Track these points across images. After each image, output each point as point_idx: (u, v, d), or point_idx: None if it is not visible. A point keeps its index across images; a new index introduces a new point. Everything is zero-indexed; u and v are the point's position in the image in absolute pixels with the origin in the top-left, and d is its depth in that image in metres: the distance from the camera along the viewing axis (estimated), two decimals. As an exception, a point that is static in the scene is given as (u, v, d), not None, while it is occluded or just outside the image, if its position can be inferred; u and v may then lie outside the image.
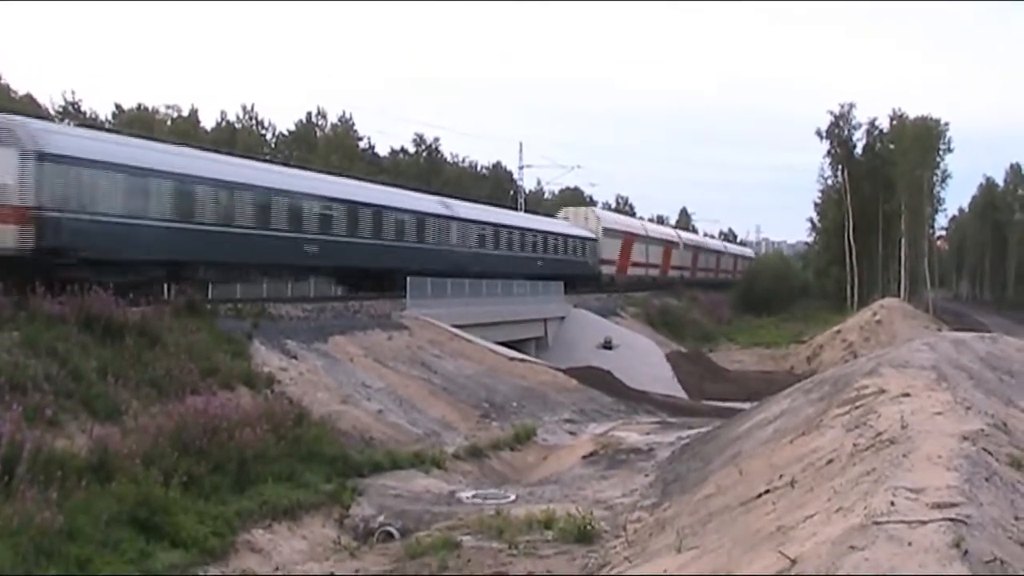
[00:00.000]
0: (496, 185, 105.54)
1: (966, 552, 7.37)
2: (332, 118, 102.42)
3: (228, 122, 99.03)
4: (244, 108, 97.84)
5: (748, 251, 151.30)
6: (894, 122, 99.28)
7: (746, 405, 31.19)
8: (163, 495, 17.15)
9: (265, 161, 54.06)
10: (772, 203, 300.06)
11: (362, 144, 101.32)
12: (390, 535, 18.97)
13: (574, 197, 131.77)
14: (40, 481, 15.50)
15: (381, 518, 19.70)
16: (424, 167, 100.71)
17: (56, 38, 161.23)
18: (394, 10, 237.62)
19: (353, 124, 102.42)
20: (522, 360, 40.79)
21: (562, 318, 59.71)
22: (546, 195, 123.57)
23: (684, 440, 27.29)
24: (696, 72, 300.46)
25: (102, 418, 19.54)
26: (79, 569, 14.34)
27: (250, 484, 19.60)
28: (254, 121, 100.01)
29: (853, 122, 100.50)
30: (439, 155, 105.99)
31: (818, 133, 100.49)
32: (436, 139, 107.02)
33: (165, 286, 32.04)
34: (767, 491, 12.43)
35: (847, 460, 11.71)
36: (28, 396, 18.54)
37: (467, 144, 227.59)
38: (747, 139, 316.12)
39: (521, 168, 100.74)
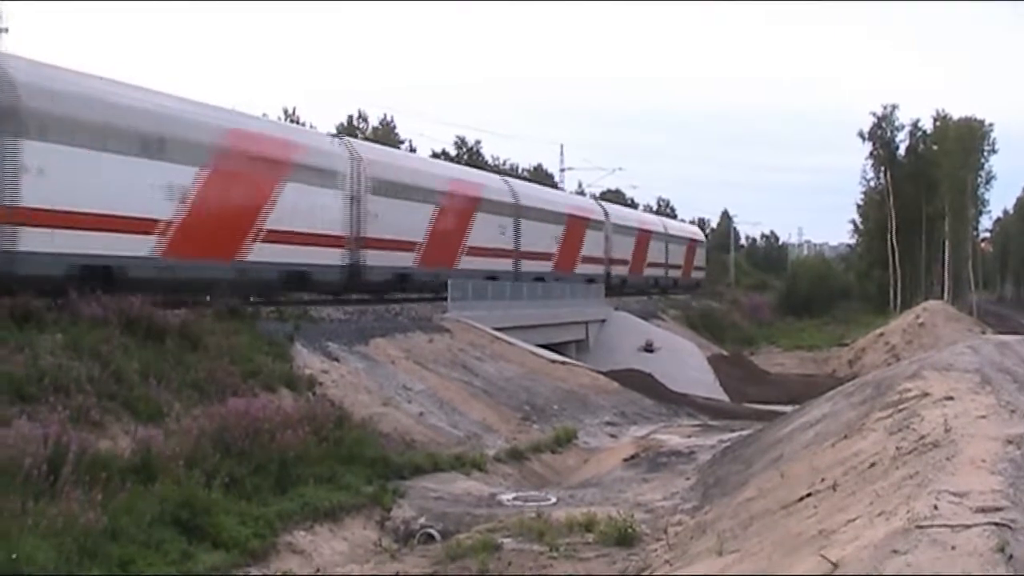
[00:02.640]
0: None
1: (1011, 557, 7.32)
2: (373, 121, 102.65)
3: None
4: (286, 112, 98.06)
5: (695, 232, 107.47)
6: (937, 123, 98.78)
7: (787, 408, 31.07)
8: (205, 496, 17.22)
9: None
10: (814, 205, 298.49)
11: (403, 147, 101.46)
12: (431, 537, 18.97)
13: (615, 199, 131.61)
14: (84, 482, 15.58)
15: (422, 520, 19.71)
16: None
17: (95, 43, 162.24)
18: (434, 11, 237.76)
19: (394, 127, 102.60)
20: (563, 363, 40.74)
21: (603, 321, 59.59)
22: (587, 197, 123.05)
23: (725, 443, 27.19)
24: (739, 73, 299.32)
25: (145, 420, 19.65)
26: (122, 569, 14.43)
27: (291, 486, 19.65)
28: (296, 125, 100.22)
29: (896, 123, 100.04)
30: (480, 157, 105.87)
31: (860, 135, 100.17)
32: (478, 141, 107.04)
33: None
34: (809, 494, 12.37)
35: (889, 463, 11.65)
36: (72, 398, 18.68)
37: (508, 146, 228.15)
38: (789, 141, 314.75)
39: (562, 170, 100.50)
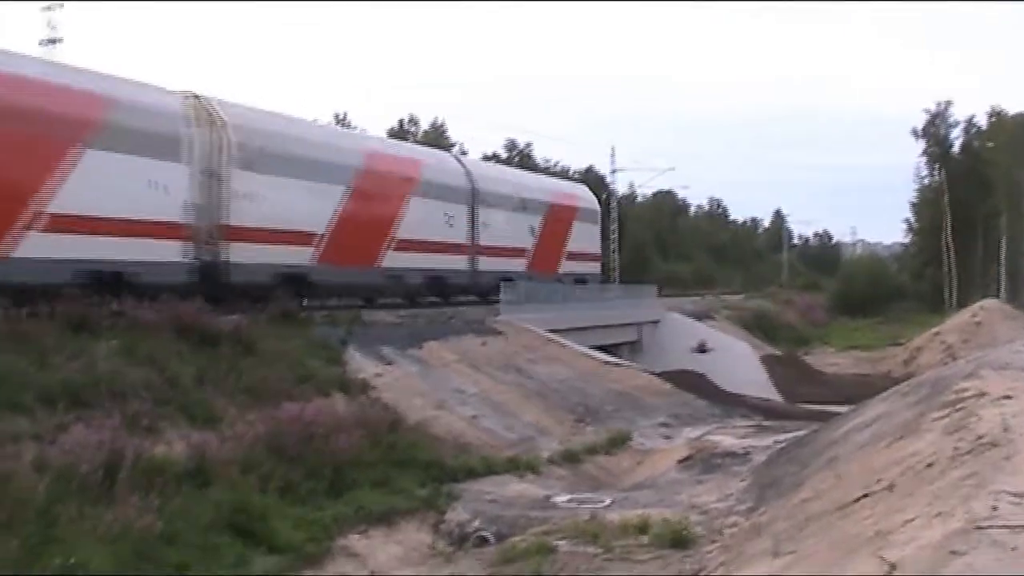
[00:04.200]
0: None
1: (1072, 558, 7.22)
2: (424, 125, 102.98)
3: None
4: (336, 116, 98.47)
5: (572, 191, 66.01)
6: (992, 119, 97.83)
7: (842, 408, 30.81)
8: (260, 501, 17.34)
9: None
10: (867, 204, 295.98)
11: (454, 150, 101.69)
12: (485, 540, 18.96)
13: (667, 201, 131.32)
14: (140, 487, 15.70)
15: (476, 523, 19.69)
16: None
17: (138, 45, 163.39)
18: (482, 13, 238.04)
19: (445, 130, 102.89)
20: (616, 364, 40.63)
21: (656, 322, 59.43)
22: (638, 198, 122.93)
23: (780, 444, 27.03)
24: (792, 71, 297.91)
25: (199, 425, 19.77)
26: (178, 573, 14.54)
27: (346, 490, 19.72)
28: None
29: (950, 120, 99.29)
30: (531, 160, 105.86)
31: (914, 132, 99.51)
32: (528, 144, 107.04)
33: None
34: (865, 495, 12.25)
35: (947, 464, 11.53)
36: (127, 403, 18.81)
37: (559, 150, 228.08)
38: (843, 139, 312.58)
39: (613, 172, 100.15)
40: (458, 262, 45.82)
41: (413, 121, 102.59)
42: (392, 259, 40.32)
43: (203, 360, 22.94)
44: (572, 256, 57.89)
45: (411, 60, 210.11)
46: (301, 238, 35.25)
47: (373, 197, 39.65)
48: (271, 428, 20.08)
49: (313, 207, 35.84)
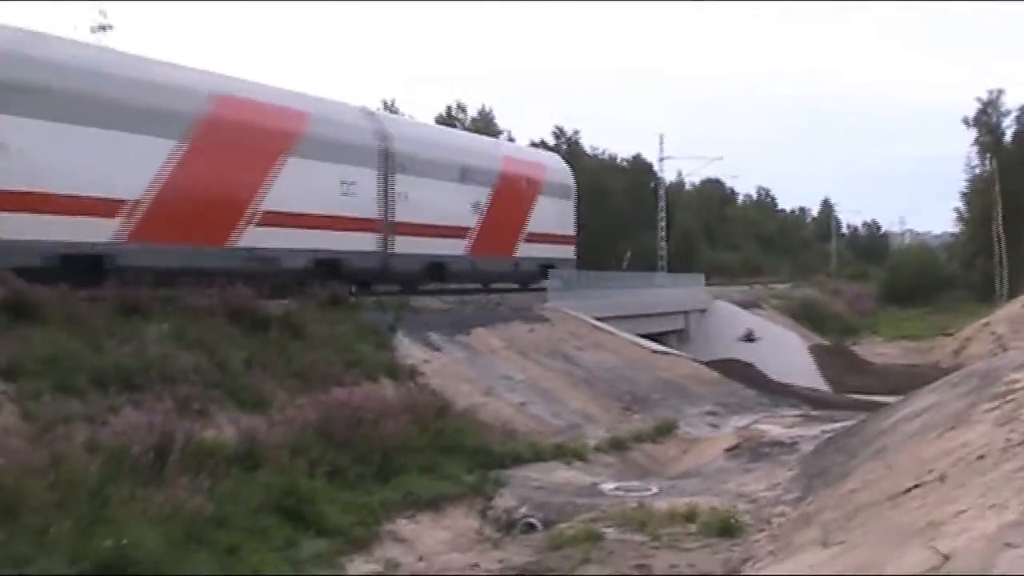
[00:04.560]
0: (635, 177, 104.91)
1: None
2: (472, 112, 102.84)
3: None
4: (384, 103, 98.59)
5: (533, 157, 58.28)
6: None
7: (890, 399, 30.67)
8: (309, 485, 17.44)
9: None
10: (917, 193, 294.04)
11: (502, 137, 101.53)
12: (532, 526, 18.99)
13: (714, 190, 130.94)
14: (190, 469, 15.83)
15: (523, 509, 19.73)
16: (562, 158, 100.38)
17: (187, 36, 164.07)
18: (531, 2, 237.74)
19: (493, 117, 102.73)
20: (663, 352, 40.60)
21: (703, 311, 59.31)
22: (687, 187, 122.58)
23: (828, 433, 26.91)
24: (838, 60, 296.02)
25: (249, 409, 19.90)
26: (228, 555, 14.63)
27: (393, 475, 19.80)
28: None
29: (1002, 109, 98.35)
30: (578, 147, 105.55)
31: (965, 121, 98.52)
32: (576, 131, 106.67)
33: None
34: (916, 486, 12.21)
35: (999, 455, 11.46)
36: (178, 387, 18.94)
37: (607, 136, 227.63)
38: (891, 127, 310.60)
39: (661, 160, 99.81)
40: (361, 241, 36.60)
41: (461, 108, 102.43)
42: (255, 237, 31.60)
43: (253, 344, 23.07)
44: (534, 237, 48.68)
45: (460, 49, 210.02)
46: (101, 208, 27.26)
47: (225, 156, 31.30)
48: (320, 413, 20.18)
49: (120, 166, 27.68)
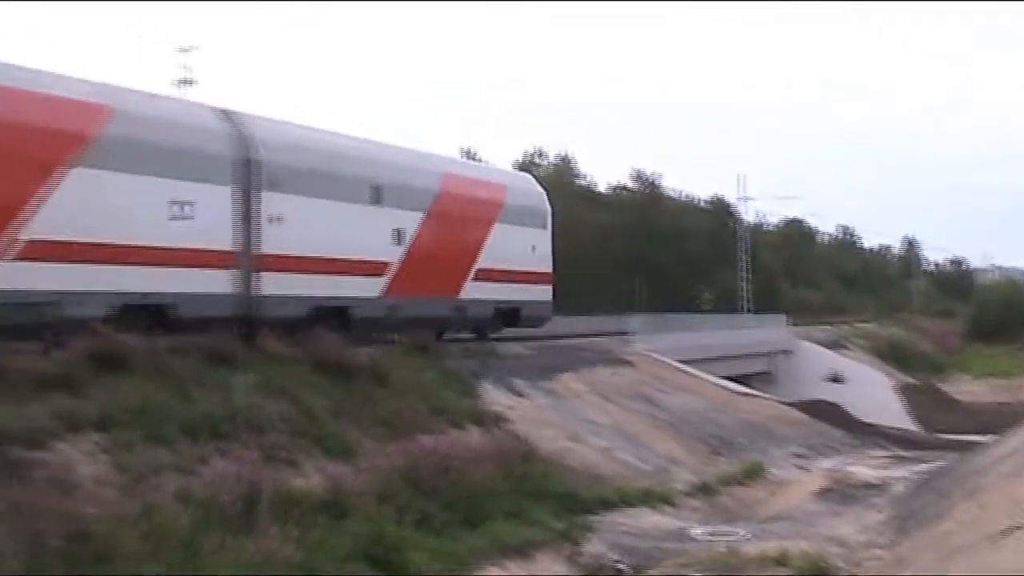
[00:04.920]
0: (714, 218, 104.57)
1: None
2: (552, 157, 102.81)
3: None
4: (463, 151, 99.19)
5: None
6: None
7: (981, 438, 30.32)
8: (396, 532, 17.40)
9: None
10: (1004, 227, 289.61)
11: (580, 181, 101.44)
12: (621, 572, 18.89)
13: (796, 230, 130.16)
14: (279, 518, 15.89)
15: (612, 555, 19.63)
16: (642, 201, 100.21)
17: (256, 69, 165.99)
18: (610, 38, 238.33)
19: (573, 162, 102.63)
20: (748, 394, 40.38)
21: (787, 351, 58.91)
22: (766, 227, 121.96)
23: (918, 474, 26.62)
24: (921, 93, 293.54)
25: (335, 456, 19.95)
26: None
27: (480, 521, 19.72)
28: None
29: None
30: (658, 190, 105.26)
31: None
32: (657, 174, 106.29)
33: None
34: (1018, 527, 12.00)
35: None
36: (265, 436, 19.06)
37: (684, 177, 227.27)
38: (976, 161, 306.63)
39: (741, 199, 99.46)
40: (208, 280, 26.88)
41: (540, 153, 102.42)
42: (16, 275, 22.18)
43: (338, 392, 23.19)
44: (490, 275, 37.74)
45: (540, 91, 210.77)
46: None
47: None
48: (406, 460, 20.18)
49: None
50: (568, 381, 32.52)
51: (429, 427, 23.29)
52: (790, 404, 40.67)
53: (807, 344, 60.58)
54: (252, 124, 29.27)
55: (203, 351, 22.53)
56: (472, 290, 36.83)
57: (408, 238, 33.80)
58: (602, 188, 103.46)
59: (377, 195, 32.70)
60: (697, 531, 21.80)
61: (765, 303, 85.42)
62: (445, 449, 20.98)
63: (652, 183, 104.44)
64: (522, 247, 40.15)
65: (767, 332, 58.53)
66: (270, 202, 28.27)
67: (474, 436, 24.46)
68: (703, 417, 34.63)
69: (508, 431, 25.95)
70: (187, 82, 63.21)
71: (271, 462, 18.08)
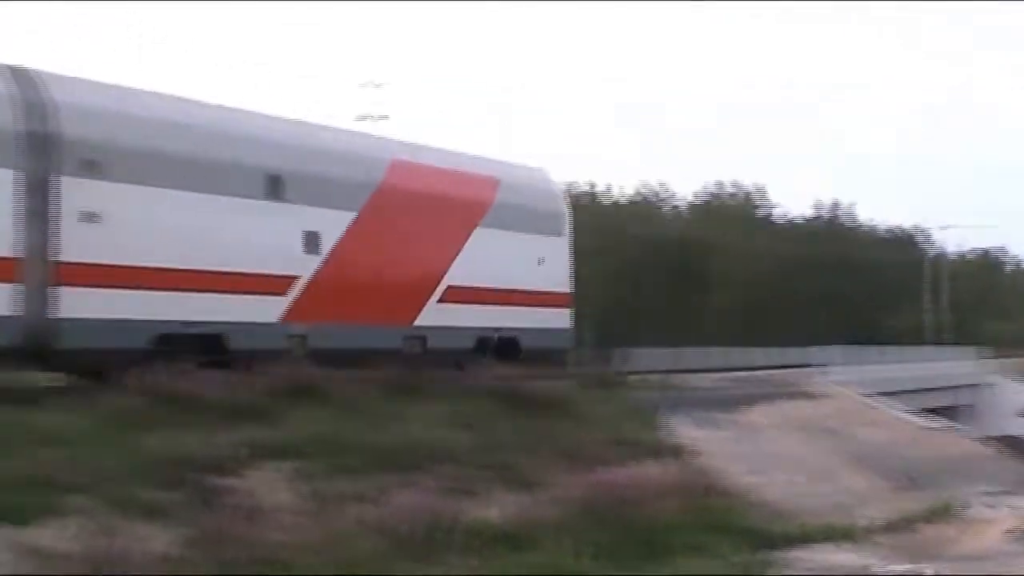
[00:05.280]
0: (900, 249, 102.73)
1: None
2: (747, 186, 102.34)
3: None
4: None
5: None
6: None
7: None
8: (575, 564, 17.44)
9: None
10: None
11: (762, 212, 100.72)
12: (803, 609, 18.66)
13: (985, 262, 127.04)
14: (460, 548, 16.07)
15: (795, 593, 19.40)
16: (827, 232, 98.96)
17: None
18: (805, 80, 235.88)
19: (759, 193, 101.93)
20: (935, 428, 39.52)
21: (977, 385, 57.59)
22: (953, 258, 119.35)
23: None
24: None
25: (516, 488, 20.11)
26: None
27: (660, 555, 19.63)
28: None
29: None
30: (851, 220, 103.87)
31: None
32: (851, 203, 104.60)
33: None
34: None
35: None
36: (446, 466, 19.33)
37: (871, 207, 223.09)
38: None
39: (927, 231, 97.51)
40: None
41: (735, 185, 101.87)
42: None
43: (520, 424, 23.38)
44: (464, 295, 30.12)
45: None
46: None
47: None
48: (587, 492, 20.22)
49: None
50: (751, 414, 32.27)
51: (610, 459, 23.34)
52: (980, 439, 39.69)
53: (998, 377, 59.15)
54: (54, 85, 21.82)
55: (388, 383, 22.97)
56: (436, 315, 29.27)
57: (328, 245, 26.59)
58: (780, 215, 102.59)
59: (276, 187, 25.59)
60: (882, 569, 21.40)
61: (955, 335, 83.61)
62: (626, 481, 21.01)
63: (845, 212, 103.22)
64: (522, 259, 32.19)
65: (955, 364, 57.31)
66: (80, 193, 21.39)
67: (656, 468, 24.38)
68: (889, 452, 33.96)
69: (690, 464, 25.83)
70: (378, 117, 63.16)
71: (453, 493, 18.32)
